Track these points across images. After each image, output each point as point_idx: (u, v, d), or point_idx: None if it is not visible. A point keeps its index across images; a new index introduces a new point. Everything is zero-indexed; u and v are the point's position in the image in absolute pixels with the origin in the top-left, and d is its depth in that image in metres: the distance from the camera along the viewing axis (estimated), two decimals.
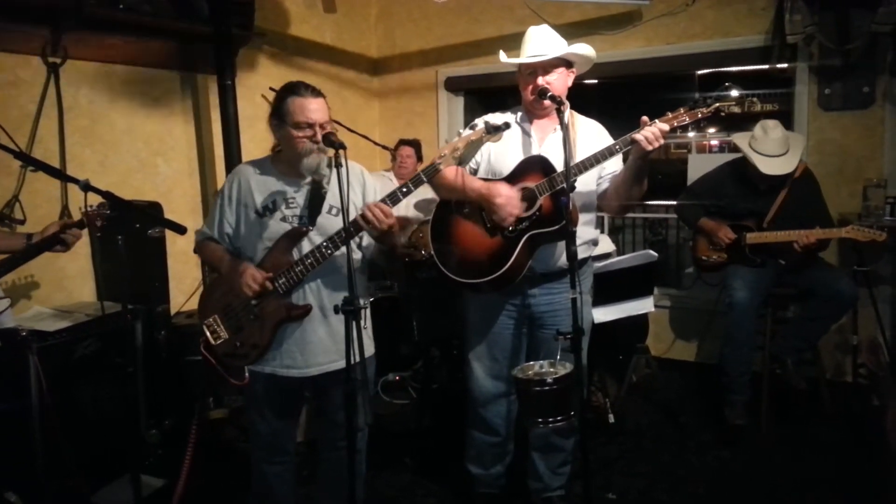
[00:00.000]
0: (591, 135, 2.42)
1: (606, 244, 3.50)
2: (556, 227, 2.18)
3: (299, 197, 2.13)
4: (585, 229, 2.42)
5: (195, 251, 2.30)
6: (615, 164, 2.37)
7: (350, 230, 1.90)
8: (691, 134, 5.06)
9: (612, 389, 3.63)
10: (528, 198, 2.25)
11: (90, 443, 2.83)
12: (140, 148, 3.79)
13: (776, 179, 3.34)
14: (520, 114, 2.46)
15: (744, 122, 3.81)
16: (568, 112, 2.36)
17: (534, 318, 2.46)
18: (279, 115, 2.05)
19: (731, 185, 3.56)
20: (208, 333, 2.16)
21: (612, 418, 3.39)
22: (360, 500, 2.25)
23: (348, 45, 5.22)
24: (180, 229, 2.41)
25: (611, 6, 4.41)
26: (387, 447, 3.21)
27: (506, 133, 2.39)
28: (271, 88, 2.15)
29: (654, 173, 2.91)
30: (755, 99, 2.28)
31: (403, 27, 5.38)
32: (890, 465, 2.73)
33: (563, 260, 2.23)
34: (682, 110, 2.12)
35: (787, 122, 3.91)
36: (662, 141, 2.09)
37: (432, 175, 2.04)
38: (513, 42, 2.50)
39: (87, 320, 2.97)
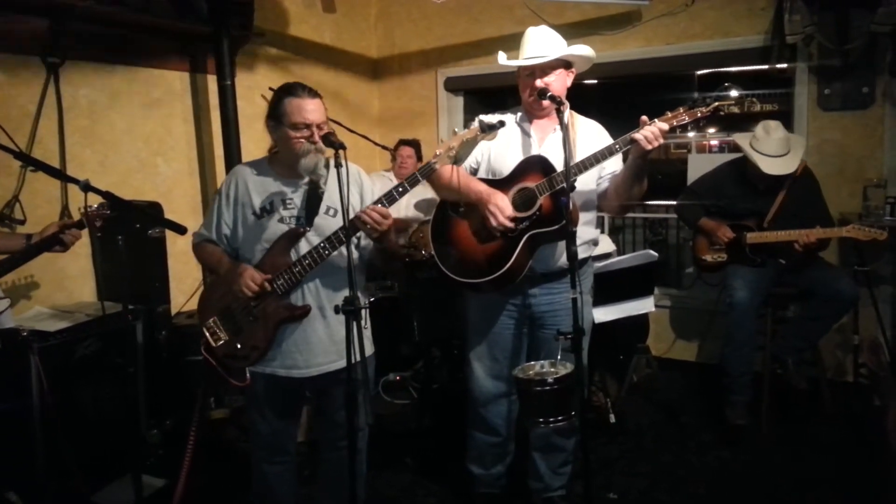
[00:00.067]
0: (590, 135, 2.42)
1: (607, 244, 3.51)
2: (557, 226, 2.18)
3: (297, 198, 2.13)
4: (586, 229, 2.42)
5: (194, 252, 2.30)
6: (615, 164, 2.37)
7: (350, 231, 1.90)
8: (691, 134, 5.05)
9: (612, 389, 3.63)
10: (528, 198, 2.25)
11: (91, 443, 2.83)
12: (140, 148, 3.79)
13: (776, 179, 3.34)
14: (520, 114, 2.46)
15: (744, 122, 3.81)
16: (567, 112, 2.37)
17: (534, 318, 2.46)
18: (276, 116, 2.05)
19: (731, 185, 3.56)
20: (208, 335, 2.16)
21: (612, 418, 3.39)
22: (360, 500, 2.26)
23: (348, 46, 5.22)
24: (180, 229, 2.41)
25: (610, 6, 4.41)
26: (387, 447, 3.21)
27: (506, 133, 2.41)
28: (270, 88, 2.15)
29: (654, 173, 2.92)
30: (755, 99, 2.28)
31: (403, 27, 5.38)
32: (891, 465, 2.73)
33: (563, 260, 2.23)
34: (681, 110, 2.13)
35: (787, 122, 3.91)
36: (662, 140, 2.10)
37: (427, 174, 2.04)
38: (512, 42, 2.50)
39: (87, 320, 2.97)
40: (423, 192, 4.18)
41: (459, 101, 5.42)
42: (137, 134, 3.78)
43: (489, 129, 2.01)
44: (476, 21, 5.03)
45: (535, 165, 2.29)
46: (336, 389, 2.16)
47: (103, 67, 3.58)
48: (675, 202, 3.94)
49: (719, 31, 4.20)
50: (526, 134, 2.43)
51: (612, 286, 3.05)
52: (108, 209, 2.37)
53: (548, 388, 2.01)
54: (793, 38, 3.79)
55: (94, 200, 2.29)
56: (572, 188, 2.02)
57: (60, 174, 2.81)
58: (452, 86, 5.27)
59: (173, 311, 3.57)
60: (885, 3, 3.51)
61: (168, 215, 3.31)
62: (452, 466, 2.91)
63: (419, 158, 4.56)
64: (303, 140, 2.02)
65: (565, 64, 2.35)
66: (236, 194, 2.15)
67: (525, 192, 2.26)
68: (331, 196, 2.12)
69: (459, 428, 2.79)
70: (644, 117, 2.12)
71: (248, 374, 2.14)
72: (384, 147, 4.61)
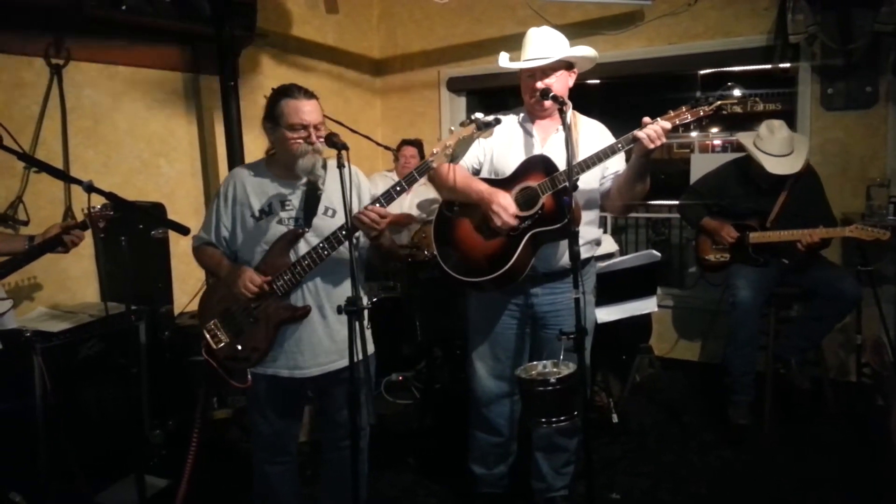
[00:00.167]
0: (593, 135, 2.42)
1: (609, 244, 3.50)
2: (559, 224, 2.18)
3: (295, 199, 2.14)
4: (588, 229, 2.42)
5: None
6: (618, 164, 2.37)
7: (350, 231, 1.90)
8: (694, 134, 5.05)
9: (615, 389, 3.62)
10: (531, 197, 2.25)
11: (94, 443, 2.83)
12: (143, 149, 3.80)
13: (779, 179, 3.33)
14: (522, 114, 2.46)
15: (746, 122, 3.80)
16: (570, 112, 2.36)
17: (537, 318, 2.46)
18: (273, 117, 2.06)
19: (733, 185, 3.55)
20: (209, 338, 2.16)
21: (615, 418, 3.39)
22: (362, 500, 2.25)
23: (350, 46, 5.22)
24: (183, 230, 2.41)
25: (613, 6, 4.41)
26: (389, 447, 3.21)
27: (508, 133, 2.41)
28: (273, 89, 2.16)
29: (656, 173, 2.92)
30: (757, 99, 2.27)
31: (405, 27, 5.38)
32: (894, 465, 2.72)
33: (565, 259, 2.23)
34: (684, 108, 2.13)
35: (790, 121, 3.90)
36: (664, 139, 2.10)
37: (424, 173, 2.04)
38: (515, 42, 2.50)
39: (90, 321, 2.97)
40: (426, 191, 4.18)
41: (462, 102, 5.42)
42: (140, 135, 3.78)
43: (485, 127, 2.01)
44: (478, 21, 5.03)
45: (538, 165, 2.29)
46: (337, 389, 2.16)
47: (106, 69, 3.59)
48: (677, 202, 3.94)
49: (722, 30, 4.19)
50: (528, 134, 2.43)
51: (614, 286, 3.05)
52: (112, 210, 2.37)
53: (550, 388, 2.00)
54: (796, 37, 3.79)
55: (98, 201, 2.29)
56: (575, 187, 2.02)
57: (64, 175, 2.81)
58: (455, 86, 5.27)
59: (176, 311, 3.57)
60: (888, 3, 3.50)
61: (171, 216, 3.31)
62: (455, 466, 2.91)
63: (422, 158, 4.55)
64: (300, 141, 2.02)
65: (567, 65, 2.35)
66: (234, 197, 2.16)
67: (527, 192, 2.26)
68: (329, 197, 2.13)
69: (462, 428, 2.78)
70: (646, 118, 2.12)
71: (249, 376, 2.14)
72: (387, 147, 4.60)
